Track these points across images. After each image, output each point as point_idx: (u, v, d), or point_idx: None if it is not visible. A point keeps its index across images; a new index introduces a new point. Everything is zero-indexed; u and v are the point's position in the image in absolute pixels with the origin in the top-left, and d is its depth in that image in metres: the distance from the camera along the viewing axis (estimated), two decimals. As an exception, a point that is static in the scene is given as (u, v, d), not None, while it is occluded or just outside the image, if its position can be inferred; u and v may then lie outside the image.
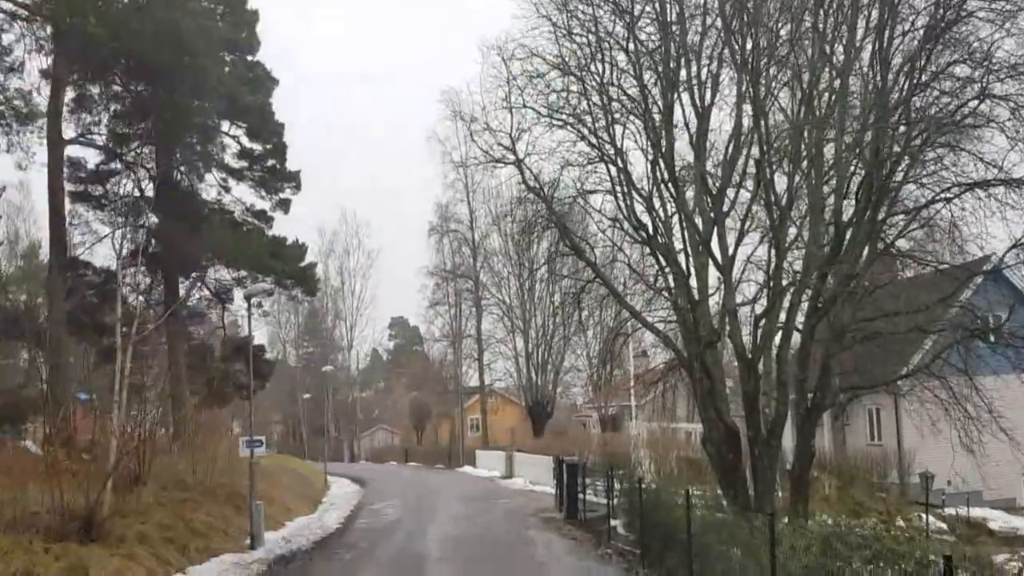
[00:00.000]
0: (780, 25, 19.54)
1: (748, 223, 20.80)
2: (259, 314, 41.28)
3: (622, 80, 21.05)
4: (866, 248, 19.07)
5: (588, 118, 21.26)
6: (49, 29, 25.83)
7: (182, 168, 33.12)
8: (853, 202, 19.03)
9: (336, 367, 79.40)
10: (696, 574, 14.74)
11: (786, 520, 15.49)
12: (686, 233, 20.58)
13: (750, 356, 19.63)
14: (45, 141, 26.85)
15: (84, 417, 26.79)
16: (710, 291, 20.58)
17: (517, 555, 19.84)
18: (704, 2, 20.25)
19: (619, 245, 23.33)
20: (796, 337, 20.18)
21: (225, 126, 34.08)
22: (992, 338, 18.31)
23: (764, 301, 20.27)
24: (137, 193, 32.18)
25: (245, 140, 35.12)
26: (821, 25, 19.02)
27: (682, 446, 34.55)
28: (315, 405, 79.53)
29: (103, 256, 31.33)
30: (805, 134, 19.34)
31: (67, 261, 29.89)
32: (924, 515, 24.96)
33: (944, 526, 25.76)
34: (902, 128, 18.33)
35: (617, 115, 21.12)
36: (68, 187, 30.52)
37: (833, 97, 19.31)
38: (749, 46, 19.07)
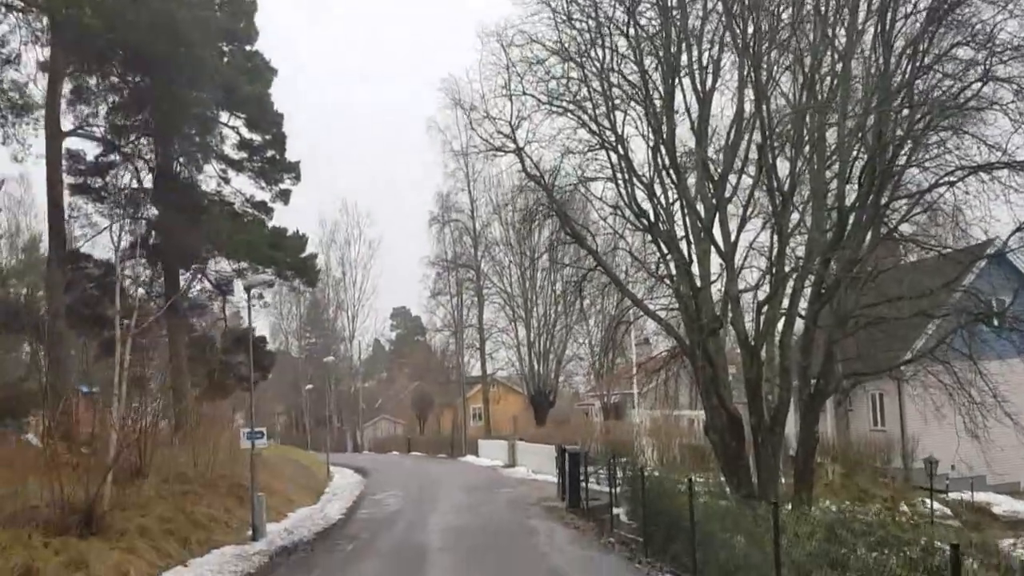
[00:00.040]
0: (781, 8, 19.41)
1: (750, 209, 20.68)
2: (260, 305, 41.12)
3: (622, 66, 20.91)
4: (869, 233, 18.98)
5: (588, 105, 21.14)
6: (45, 20, 25.63)
7: (181, 159, 33.00)
8: (856, 187, 18.93)
9: (338, 358, 79.36)
10: (699, 562, 14.66)
11: (789, 507, 15.46)
12: (688, 220, 20.47)
13: (753, 343, 19.54)
14: (42, 133, 26.68)
15: (86, 410, 26.77)
16: (712, 278, 20.49)
17: (519, 545, 19.78)
18: (705, -14, 20.09)
19: (620, 233, 23.23)
20: (799, 323, 20.10)
21: (224, 117, 33.95)
22: (996, 322, 18.21)
23: (767, 287, 20.18)
24: (136, 185, 32.05)
25: (244, 131, 34.97)
26: (823, 8, 18.90)
27: (685, 434, 34.51)
28: (318, 396, 79.56)
29: (103, 248, 31.22)
30: (807, 119, 19.21)
31: (67, 254, 29.77)
32: (928, 500, 24.91)
33: (948, 511, 25.71)
34: (905, 111, 18.22)
35: (618, 101, 20.99)
36: (67, 179, 30.39)
37: (835, 81, 19.18)
38: (751, 30, 18.95)
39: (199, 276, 35.50)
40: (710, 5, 19.91)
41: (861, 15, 18.93)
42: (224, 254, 34.13)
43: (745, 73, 19.17)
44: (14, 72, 25.85)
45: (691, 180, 20.73)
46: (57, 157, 27.72)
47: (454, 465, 52.19)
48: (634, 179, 21.13)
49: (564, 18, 20.51)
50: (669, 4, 20.11)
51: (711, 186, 20.20)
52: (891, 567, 9.48)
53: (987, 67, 16.74)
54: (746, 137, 19.98)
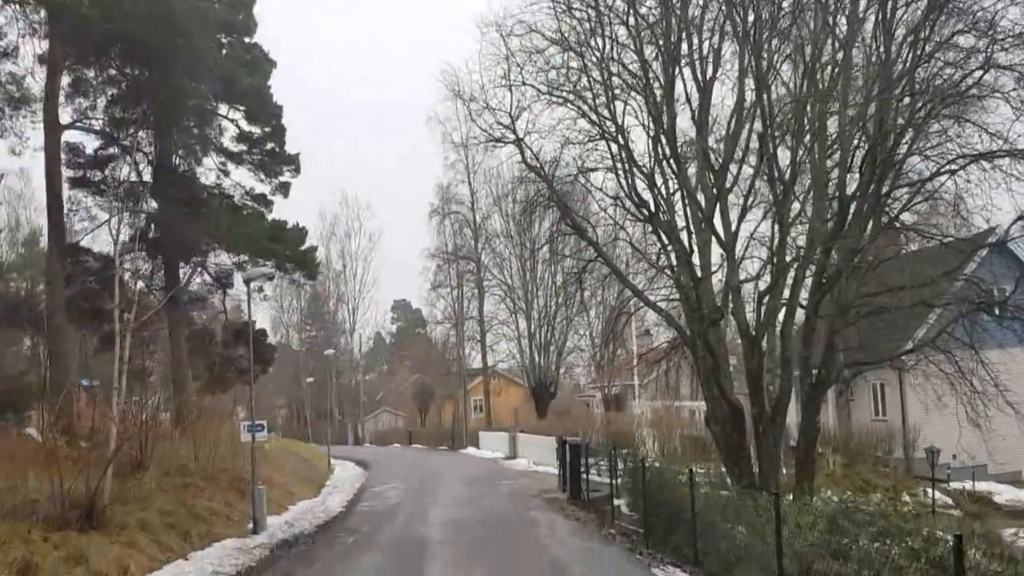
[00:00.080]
0: (781, -3, 19.28)
1: (751, 199, 20.65)
2: (260, 298, 41.15)
3: (622, 55, 20.84)
4: (870, 222, 18.92)
5: (588, 95, 21.06)
6: (43, 13, 25.54)
7: (180, 152, 32.90)
8: (857, 176, 18.84)
9: (339, 351, 79.34)
10: (700, 553, 14.66)
11: (791, 497, 15.43)
12: (688, 210, 20.42)
13: (754, 333, 19.50)
14: (40, 126, 26.63)
15: (86, 404, 26.78)
16: (713, 268, 20.45)
17: (520, 537, 19.76)
18: (705, -26, 19.98)
19: (621, 224, 23.21)
20: (800, 313, 20.05)
21: (223, 109, 33.80)
22: (997, 311, 18.16)
23: (768, 278, 20.14)
24: (135, 178, 31.95)
25: (243, 123, 34.81)
26: (823, -5, 18.77)
27: (686, 425, 34.52)
28: (319, 389, 79.56)
29: (103, 242, 31.15)
30: (808, 107, 19.13)
31: (66, 247, 29.70)
32: (930, 490, 24.92)
33: (950, 501, 25.72)
34: (906, 100, 18.12)
35: (618, 91, 20.92)
36: (67, 173, 30.31)
37: (836, 70, 19.10)
38: (751, 18, 18.86)
39: (199, 269, 35.45)
40: (710, -6, 19.83)
41: (862, 3, 18.85)
42: (224, 247, 34.01)
43: (746, 62, 19.10)
44: (11, 65, 25.82)
45: (692, 170, 20.68)
46: (56, 150, 27.66)
47: (455, 457, 52.19)
48: (634, 169, 21.07)
49: (564, 7, 20.43)
50: (669, -7, 20.02)
51: (712, 176, 20.13)
52: (893, 557, 9.43)
53: (988, 55, 16.65)
54: (747, 126, 19.93)
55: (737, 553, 13.15)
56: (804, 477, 19.09)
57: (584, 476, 24.92)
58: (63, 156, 29.34)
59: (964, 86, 17.23)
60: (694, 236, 20.33)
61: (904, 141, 18.51)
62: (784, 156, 19.79)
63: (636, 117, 21.06)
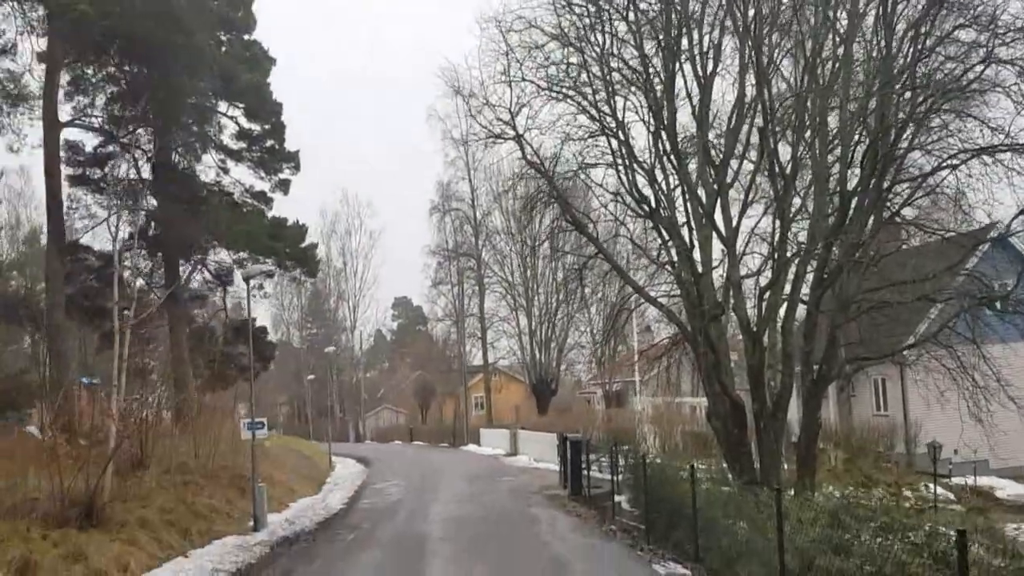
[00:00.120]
0: (783, -9, 19.22)
1: (752, 194, 20.59)
2: (260, 296, 41.09)
3: (622, 50, 20.77)
4: (871, 217, 18.86)
5: (588, 90, 20.99)
6: (41, 10, 25.49)
7: (179, 149, 32.87)
8: (858, 171, 18.79)
9: (340, 348, 79.34)
10: (701, 549, 14.63)
11: (792, 493, 15.38)
12: (689, 205, 20.36)
13: (755, 329, 19.45)
14: (38, 123, 26.62)
15: (87, 402, 26.73)
16: (714, 264, 20.42)
17: (521, 533, 19.72)
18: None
19: (621, 220, 23.12)
20: (801, 309, 20.00)
21: (222, 106, 33.82)
22: (999, 306, 18.10)
23: (769, 273, 20.07)
24: (135, 175, 31.89)
25: (243, 120, 34.83)
26: (824, -11, 18.71)
27: (687, 421, 34.47)
28: (320, 386, 79.63)
29: (103, 240, 31.14)
30: (809, 103, 19.07)
31: (66, 245, 29.69)
32: (931, 485, 24.87)
33: (952, 496, 25.66)
34: (907, 95, 18.07)
35: (618, 86, 20.85)
36: (67, 171, 30.32)
37: (837, 65, 19.03)
38: (751, 13, 18.79)
39: (199, 267, 35.44)
40: (711, -12, 19.76)
41: (863, -2, 18.79)
42: (224, 244, 34.02)
43: (746, 57, 19.04)
44: (10, 62, 25.79)
45: (692, 165, 20.62)
46: (55, 148, 27.63)
47: (456, 454, 52.18)
48: (635, 165, 21.01)
49: (564, 3, 20.33)
50: (670, -13, 19.94)
51: (712, 171, 20.08)
52: (895, 553, 9.39)
53: (990, 49, 16.64)
54: (748, 122, 19.87)
55: (738, 549, 13.12)
56: (805, 473, 19.05)
57: (585, 472, 24.89)
58: (63, 154, 29.33)
59: (965, 80, 17.21)
60: (695, 232, 20.27)
61: (905, 136, 18.47)
62: (785, 151, 19.75)
63: (636, 113, 21.04)
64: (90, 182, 31.74)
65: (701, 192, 20.04)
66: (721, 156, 20.18)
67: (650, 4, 20.31)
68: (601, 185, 23.07)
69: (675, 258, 20.78)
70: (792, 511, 11.75)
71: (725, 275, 20.02)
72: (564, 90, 21.18)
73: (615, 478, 21.39)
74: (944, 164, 17.85)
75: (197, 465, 23.61)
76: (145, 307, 22.18)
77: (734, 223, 19.99)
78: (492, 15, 20.83)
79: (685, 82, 20.43)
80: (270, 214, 36.05)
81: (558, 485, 28.10)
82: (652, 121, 20.56)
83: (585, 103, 21.00)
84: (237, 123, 34.70)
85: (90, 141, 31.84)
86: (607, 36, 20.51)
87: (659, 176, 20.79)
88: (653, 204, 21.03)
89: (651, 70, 20.47)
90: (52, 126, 27.11)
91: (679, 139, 20.46)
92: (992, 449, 22.61)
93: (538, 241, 40.60)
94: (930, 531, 9.22)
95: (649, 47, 20.42)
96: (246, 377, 32.35)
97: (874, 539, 9.95)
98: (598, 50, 20.55)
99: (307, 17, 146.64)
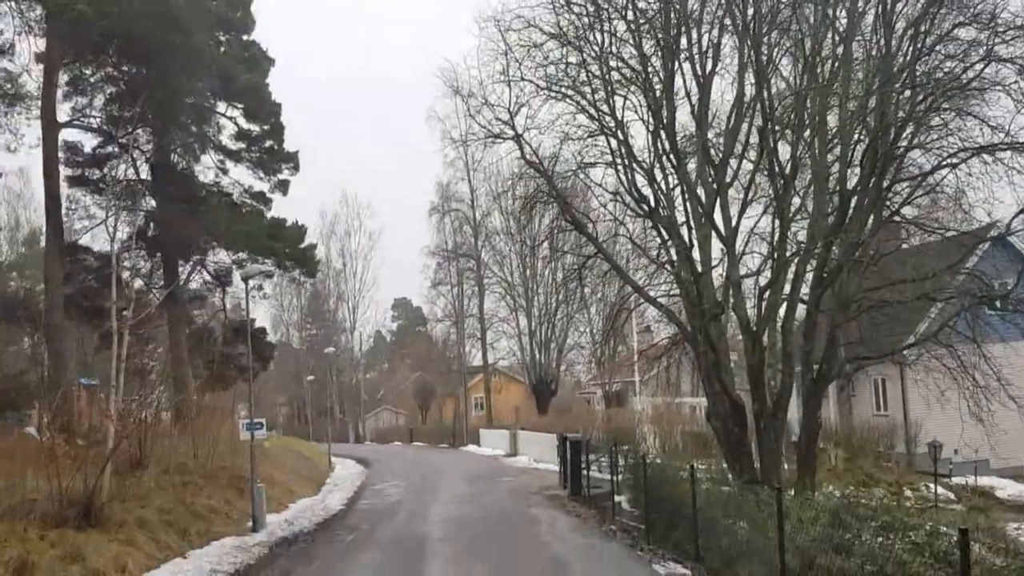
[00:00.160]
0: (782, -11, 19.18)
1: (751, 193, 20.55)
2: (260, 296, 41.12)
3: (621, 50, 20.74)
4: (871, 216, 18.84)
5: (587, 89, 20.96)
6: (39, 10, 25.46)
7: (178, 150, 32.81)
8: (858, 170, 18.77)
9: (340, 349, 79.26)
10: (702, 549, 14.58)
11: (792, 492, 15.35)
12: (688, 205, 20.33)
13: (755, 328, 19.41)
14: (36, 123, 26.62)
15: (87, 403, 26.69)
16: (713, 263, 20.38)
17: (520, 534, 19.68)
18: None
19: (621, 219, 23.08)
20: (801, 308, 19.96)
21: (221, 107, 33.80)
22: (1000, 305, 18.07)
23: (768, 272, 20.04)
24: (134, 176, 31.86)
25: (242, 121, 34.82)
26: (824, -12, 18.68)
27: (687, 421, 34.44)
28: (319, 387, 79.50)
29: (103, 240, 31.10)
30: (808, 101, 19.04)
31: (65, 246, 29.67)
32: (932, 485, 24.84)
33: (952, 495, 25.63)
34: (907, 93, 18.04)
35: (617, 86, 20.82)
36: (66, 171, 30.31)
37: (836, 64, 19.01)
38: (750, 12, 18.74)
39: (198, 267, 35.40)
40: (710, -13, 19.72)
41: (862, -3, 18.76)
42: (223, 245, 33.98)
43: (745, 56, 19.00)
44: (7, 62, 25.75)
45: (691, 165, 20.59)
46: (53, 149, 27.60)
47: (456, 455, 52.13)
48: (634, 164, 20.98)
49: (563, 2, 20.29)
50: (668, -14, 19.90)
51: (712, 170, 20.04)
52: (896, 552, 9.35)
53: (989, 47, 16.65)
54: (747, 121, 19.84)
55: (739, 548, 13.07)
56: (806, 472, 19.01)
57: (585, 473, 24.85)
58: (61, 155, 29.30)
59: (965, 79, 17.20)
60: (694, 231, 20.24)
61: (905, 135, 18.46)
62: (784, 150, 19.72)
63: (635, 112, 21.01)
64: (89, 183, 31.71)
65: (700, 191, 20.00)
66: (720, 155, 20.14)
67: (649, 3, 20.30)
68: (600, 185, 23.09)
69: (674, 257, 20.74)
70: (792, 510, 11.71)
71: (725, 274, 19.99)
72: (563, 89, 21.16)
73: (615, 478, 21.35)
74: (944, 163, 17.84)
75: (196, 465, 23.55)
76: (144, 307, 22.14)
77: (733, 222, 19.95)
78: (491, 14, 20.86)
79: (684, 81, 20.43)
80: (269, 215, 36.04)
81: (558, 485, 28.05)
82: (651, 120, 20.53)
83: (584, 102, 20.97)
84: (236, 123, 34.73)
85: (89, 142, 31.90)
86: (606, 35, 20.49)
87: (658, 175, 20.76)
88: (652, 203, 21.00)
89: (650, 69, 20.44)
90: (50, 126, 27.07)
91: (678, 138, 20.43)
92: (993, 448, 22.59)
93: (537, 241, 40.61)
94: (931, 530, 9.18)
95: (648, 46, 20.40)
96: (245, 378, 32.30)
97: (875, 538, 9.90)
98: (597, 49, 20.52)
99: (306, 17, 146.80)
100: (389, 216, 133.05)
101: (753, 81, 19.07)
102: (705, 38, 19.95)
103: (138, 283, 30.63)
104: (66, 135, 30.00)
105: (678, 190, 20.75)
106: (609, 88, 20.68)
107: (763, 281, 20.05)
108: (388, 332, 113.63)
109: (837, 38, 19.07)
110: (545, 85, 21.20)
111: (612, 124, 20.75)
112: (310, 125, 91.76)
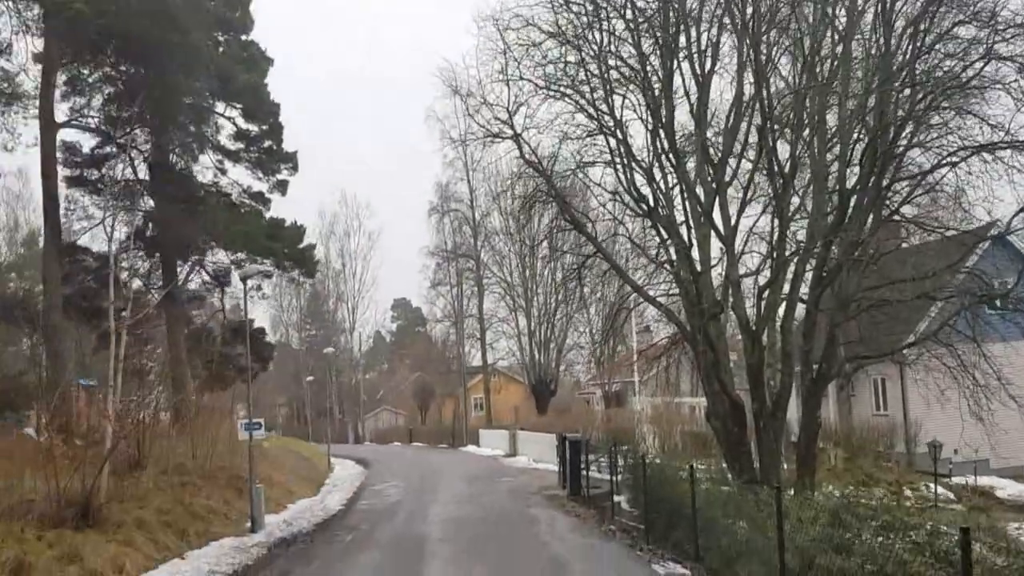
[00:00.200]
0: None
1: (750, 192, 20.51)
2: (259, 297, 41.13)
3: (620, 48, 20.71)
4: (871, 215, 18.79)
5: (586, 88, 20.93)
6: (36, 9, 25.42)
7: (176, 150, 32.76)
8: (857, 169, 18.73)
9: (339, 349, 79.20)
10: (701, 548, 14.54)
11: (792, 492, 15.30)
12: (687, 204, 20.29)
13: (754, 328, 19.37)
14: (33, 122, 26.57)
15: (86, 404, 26.64)
16: (712, 263, 20.33)
17: (520, 534, 19.63)
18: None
19: (620, 219, 23.07)
20: (800, 308, 19.92)
21: (220, 107, 33.75)
22: (1000, 304, 18.03)
23: (768, 272, 19.99)
24: (132, 176, 31.81)
25: (240, 121, 34.77)
26: (823, -13, 18.64)
27: (686, 421, 34.41)
28: (319, 387, 79.43)
29: (102, 241, 31.04)
30: (807, 100, 18.99)
31: (64, 246, 29.62)
32: (932, 485, 24.81)
33: (952, 495, 25.60)
34: (906, 92, 18.00)
35: (616, 85, 20.79)
36: (64, 172, 30.26)
37: (835, 63, 18.96)
38: (749, 11, 18.69)
39: (197, 267, 35.35)
40: (709, -15, 19.67)
41: (861, -6, 18.72)
42: (221, 245, 33.92)
43: (744, 55, 18.96)
44: (4, 62, 25.71)
45: (690, 164, 20.55)
46: (51, 148, 27.51)
47: (455, 455, 52.08)
48: (633, 164, 20.94)
49: (561, 0, 20.26)
50: (667, -15, 19.86)
51: (711, 169, 20.00)
52: (897, 552, 9.30)
53: (989, 45, 16.60)
54: (746, 120, 19.79)
55: (738, 548, 13.03)
56: (805, 472, 18.97)
57: (584, 473, 24.81)
58: (60, 155, 29.25)
59: (965, 77, 17.15)
60: (693, 230, 20.20)
61: (904, 133, 18.42)
62: (783, 149, 19.70)
63: (634, 111, 20.96)
64: (88, 183, 31.65)
65: (699, 191, 19.96)
66: (719, 154, 20.10)
67: (648, 2, 20.25)
68: (599, 184, 23.07)
69: (674, 257, 20.71)
70: (792, 510, 11.67)
71: (724, 274, 19.95)
72: (562, 88, 21.12)
73: (614, 478, 21.31)
74: (944, 161, 17.80)
75: (195, 466, 23.50)
76: (142, 308, 22.12)
77: (733, 222, 19.92)
78: (489, 13, 20.89)
79: (683, 80, 20.40)
80: (268, 215, 36.00)
81: (557, 485, 28.02)
82: (650, 120, 20.49)
83: (583, 102, 20.94)
84: (235, 124, 34.68)
85: (87, 142, 31.84)
86: (605, 34, 20.45)
87: (657, 175, 20.73)
88: (651, 203, 20.96)
89: (649, 68, 20.40)
90: (48, 126, 27.00)
91: (677, 138, 20.40)
92: (993, 448, 22.57)
93: (537, 241, 40.66)
94: (932, 530, 9.14)
95: (647, 45, 20.36)
96: (244, 378, 32.28)
97: (875, 538, 9.86)
98: (596, 48, 20.48)
99: (305, 17, 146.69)
100: (388, 216, 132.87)
101: (752, 80, 19.03)
102: (704, 37, 19.94)
103: (136, 283, 30.66)
104: (65, 136, 30.02)
105: (677, 189, 20.72)
106: (608, 87, 20.65)
107: (762, 280, 20.03)
108: (387, 332, 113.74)
109: (836, 37, 19.03)
110: (544, 84, 21.18)
111: (611, 123, 20.72)
112: (309, 125, 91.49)
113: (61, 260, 28.55)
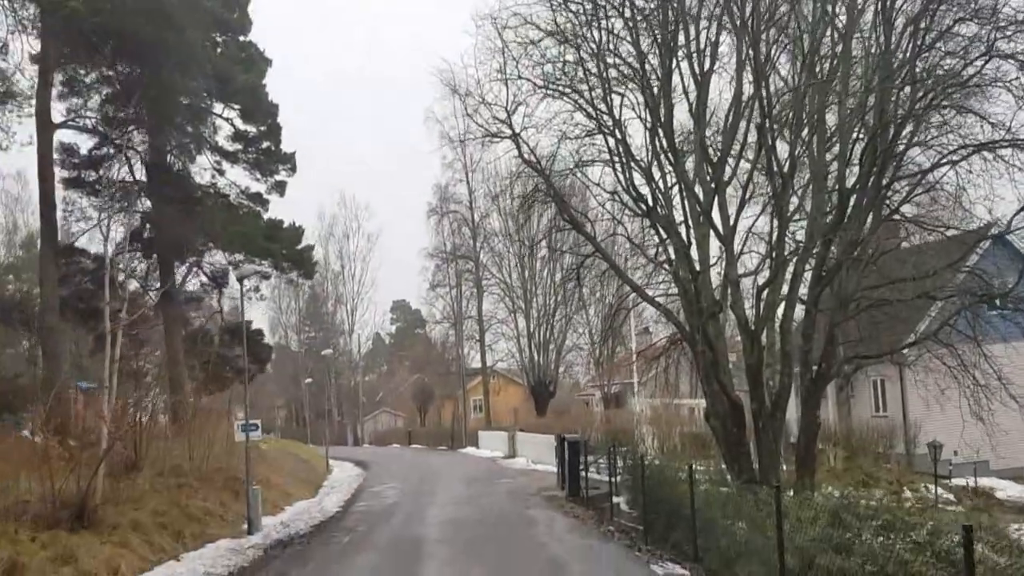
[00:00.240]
0: (781, -14, 19.06)
1: (749, 192, 20.41)
2: (257, 298, 41.04)
3: (619, 47, 20.61)
4: (870, 215, 18.69)
5: (584, 87, 20.83)
6: (32, 9, 25.35)
7: (174, 150, 32.68)
8: (856, 168, 18.62)
9: (338, 351, 79.17)
10: (700, 549, 14.46)
11: (791, 493, 15.20)
12: (686, 203, 20.20)
13: (753, 328, 19.27)
14: (28, 122, 26.43)
15: (84, 405, 26.56)
16: (711, 262, 20.21)
17: (518, 535, 19.54)
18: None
19: (618, 219, 22.98)
20: (800, 308, 19.83)
21: (217, 108, 33.75)
22: (1000, 304, 17.92)
23: (767, 271, 19.89)
24: (129, 177, 31.72)
25: (238, 121, 34.73)
26: (822, -15, 18.56)
27: (685, 422, 34.35)
28: (318, 389, 79.37)
29: (100, 242, 30.94)
30: (807, 99, 18.89)
31: (61, 248, 29.56)
32: (931, 486, 24.72)
33: (951, 496, 25.51)
34: (907, 90, 17.90)
35: (614, 84, 20.69)
36: (62, 173, 30.24)
37: (835, 61, 18.87)
38: (748, 9, 18.60)
39: (194, 268, 35.27)
40: (708, -17, 19.59)
41: (861, -8, 18.63)
42: (219, 246, 33.86)
43: (743, 53, 18.86)
44: (0, 61, 25.62)
45: (689, 163, 20.46)
46: (48, 149, 27.46)
47: (454, 457, 52.00)
48: (632, 163, 20.85)
49: (561, -1, 20.16)
50: (666, -17, 19.77)
51: (710, 169, 19.91)
52: (898, 551, 9.21)
53: (990, 43, 16.46)
54: (745, 119, 19.68)
55: (738, 549, 12.94)
56: (805, 472, 18.86)
57: (583, 474, 24.73)
58: (57, 156, 29.18)
59: (965, 75, 17.04)
60: (692, 230, 20.10)
61: (904, 132, 18.30)
62: (783, 149, 19.57)
63: (633, 110, 20.85)
64: (85, 185, 31.57)
65: (698, 190, 19.86)
66: (718, 154, 20.01)
67: (647, 0, 20.15)
68: (598, 184, 22.97)
69: (672, 257, 20.61)
70: (792, 510, 11.59)
71: (723, 273, 19.85)
72: (560, 88, 21.02)
73: (613, 479, 21.23)
74: (944, 160, 17.68)
75: (191, 467, 23.44)
76: (138, 309, 22.04)
77: (732, 221, 19.84)
78: (488, 12, 20.72)
79: (682, 79, 20.31)
80: (266, 216, 35.95)
81: (556, 487, 27.94)
82: (649, 119, 20.38)
83: (581, 101, 20.85)
84: (233, 124, 34.62)
85: (85, 144, 31.74)
86: (603, 33, 20.34)
87: (656, 174, 20.63)
88: (650, 202, 20.87)
89: (648, 67, 20.30)
90: (45, 127, 26.93)
91: (676, 137, 20.31)
92: (993, 449, 22.45)
93: (536, 241, 40.60)
94: (933, 529, 9.05)
95: (646, 44, 20.26)
96: (242, 379, 32.21)
97: (876, 538, 9.77)
98: (594, 47, 20.37)
99: (303, 18, 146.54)
100: (388, 216, 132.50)
101: (751, 79, 18.92)
102: (703, 35, 19.83)
103: (134, 285, 30.57)
104: (63, 137, 29.94)
105: (676, 189, 20.62)
106: (607, 86, 20.55)
107: (761, 280, 19.91)
108: (387, 334, 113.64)
109: (836, 35, 18.94)
110: (542, 83, 21.07)
111: (610, 122, 20.62)
112: (307, 126, 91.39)
113: (58, 261, 28.49)
